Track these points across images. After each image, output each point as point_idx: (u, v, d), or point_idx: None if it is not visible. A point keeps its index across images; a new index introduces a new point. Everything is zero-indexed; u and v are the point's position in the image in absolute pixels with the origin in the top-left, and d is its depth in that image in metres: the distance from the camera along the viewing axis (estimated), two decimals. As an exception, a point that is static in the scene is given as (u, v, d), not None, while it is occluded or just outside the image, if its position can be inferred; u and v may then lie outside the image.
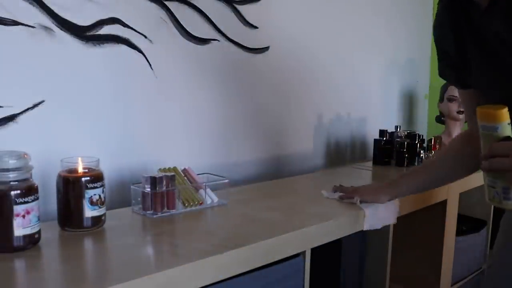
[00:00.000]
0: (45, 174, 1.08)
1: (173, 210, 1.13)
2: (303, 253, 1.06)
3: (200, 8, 1.40)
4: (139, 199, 1.14)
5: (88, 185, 0.98)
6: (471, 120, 1.19)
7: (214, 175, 1.29)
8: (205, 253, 0.88)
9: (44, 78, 1.11)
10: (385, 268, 1.33)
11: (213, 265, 0.88)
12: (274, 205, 1.23)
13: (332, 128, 1.91)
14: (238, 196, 1.29)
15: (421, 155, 1.82)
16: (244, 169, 1.59)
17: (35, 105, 1.10)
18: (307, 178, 1.63)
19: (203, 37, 1.42)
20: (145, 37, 1.28)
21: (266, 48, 1.61)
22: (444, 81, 1.75)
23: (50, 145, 1.12)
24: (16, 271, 0.83)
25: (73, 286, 0.76)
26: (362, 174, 1.72)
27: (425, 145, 1.87)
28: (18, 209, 0.87)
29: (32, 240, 0.89)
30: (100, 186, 1.00)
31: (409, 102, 2.34)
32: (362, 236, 1.35)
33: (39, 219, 0.91)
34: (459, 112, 1.98)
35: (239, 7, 1.50)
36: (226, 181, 1.27)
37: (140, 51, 1.28)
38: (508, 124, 0.90)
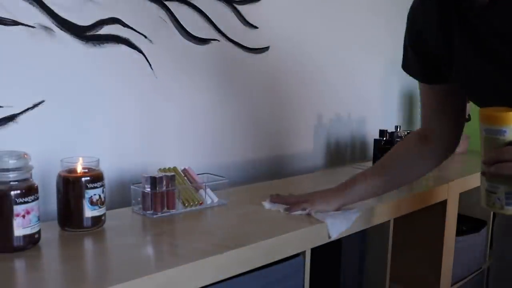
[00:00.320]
0: (45, 174, 1.08)
1: (173, 210, 1.13)
2: (303, 253, 1.06)
3: (200, 8, 1.40)
4: (139, 199, 1.14)
5: (88, 185, 0.98)
6: (430, 118, 1.14)
7: (214, 175, 1.29)
8: (205, 253, 0.88)
9: (44, 78, 1.11)
10: (385, 268, 1.33)
11: (213, 265, 0.88)
12: (274, 205, 1.23)
13: (332, 128, 1.91)
14: (238, 196, 1.29)
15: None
16: (244, 169, 1.59)
17: (35, 105, 1.10)
18: (307, 178, 1.63)
19: (203, 37, 1.42)
20: (145, 37, 1.28)
21: (266, 48, 1.61)
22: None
23: (50, 145, 1.12)
24: (16, 271, 0.83)
25: (73, 286, 0.76)
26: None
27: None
28: (18, 209, 0.86)
29: (32, 240, 0.89)
30: (100, 186, 1.00)
31: (409, 102, 2.33)
32: (362, 236, 1.35)
33: (39, 219, 0.91)
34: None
35: (239, 7, 1.50)
36: (226, 181, 1.27)
37: (140, 51, 1.28)
38: None
